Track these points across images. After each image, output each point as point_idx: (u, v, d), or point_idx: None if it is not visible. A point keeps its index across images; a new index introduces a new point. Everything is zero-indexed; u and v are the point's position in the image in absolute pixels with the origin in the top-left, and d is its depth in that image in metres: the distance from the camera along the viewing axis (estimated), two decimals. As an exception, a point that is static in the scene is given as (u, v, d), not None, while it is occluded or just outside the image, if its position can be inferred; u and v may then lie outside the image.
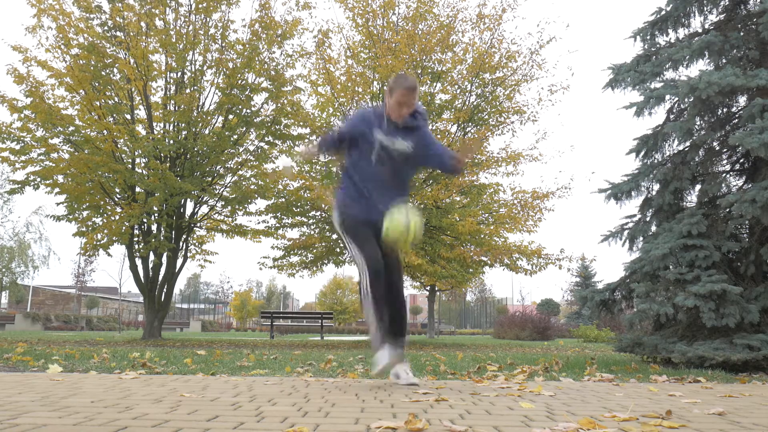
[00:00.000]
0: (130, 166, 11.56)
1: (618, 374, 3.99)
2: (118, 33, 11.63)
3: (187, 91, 11.20)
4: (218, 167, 12.18)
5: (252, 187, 12.37)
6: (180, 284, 71.65)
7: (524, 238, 20.67)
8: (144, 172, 11.54)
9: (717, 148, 5.53)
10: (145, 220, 11.70)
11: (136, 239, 12.08)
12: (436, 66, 11.57)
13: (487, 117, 12.27)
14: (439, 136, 11.51)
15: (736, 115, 5.45)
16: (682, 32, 5.94)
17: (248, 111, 11.68)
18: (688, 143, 5.45)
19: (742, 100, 5.48)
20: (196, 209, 12.68)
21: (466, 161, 3.22)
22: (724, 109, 5.55)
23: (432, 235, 11.34)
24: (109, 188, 11.54)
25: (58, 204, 11.85)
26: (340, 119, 12.52)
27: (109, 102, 11.25)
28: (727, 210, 5.05)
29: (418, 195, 10.69)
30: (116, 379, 3.11)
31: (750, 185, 4.99)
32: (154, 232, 12.05)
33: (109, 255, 12.85)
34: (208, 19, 11.60)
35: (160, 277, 12.26)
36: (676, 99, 5.56)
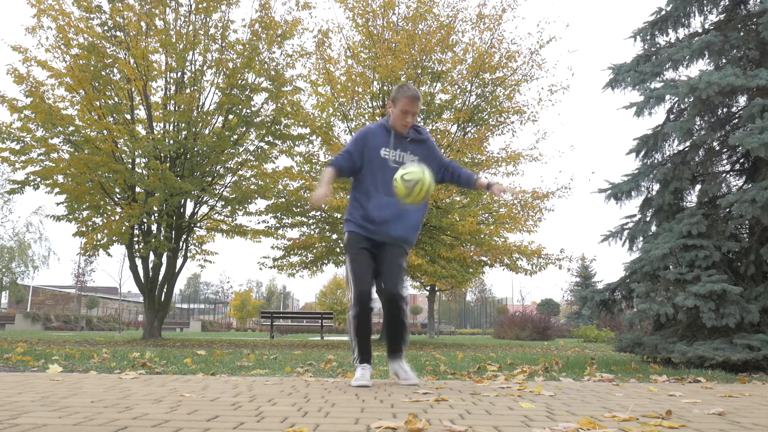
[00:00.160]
0: (130, 166, 11.56)
1: (618, 374, 3.99)
2: (118, 33, 11.63)
3: (187, 91, 11.20)
4: (218, 167, 12.18)
5: (252, 187, 12.37)
6: (180, 284, 71.69)
7: (524, 238, 20.68)
8: (144, 172, 11.54)
9: (717, 148, 5.53)
10: (145, 220, 11.70)
11: (136, 239, 12.08)
12: (436, 66, 11.57)
13: (487, 117, 12.28)
14: (438, 136, 11.51)
15: (736, 115, 5.45)
16: (682, 32, 5.95)
17: (248, 111, 11.68)
18: (688, 143, 5.45)
19: (742, 100, 5.48)
20: (196, 209, 12.69)
21: (499, 193, 3.27)
22: (724, 109, 5.55)
23: (432, 235, 11.34)
24: (109, 188, 11.54)
25: (58, 204, 11.86)
26: (340, 119, 12.53)
27: (109, 102, 11.25)
28: (727, 210, 5.05)
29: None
30: (116, 379, 3.11)
31: (750, 185, 4.99)
32: (154, 232, 12.05)
33: (109, 255, 12.87)
34: (208, 19, 11.61)
35: (160, 277, 12.26)
36: (676, 99, 5.56)
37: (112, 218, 11.37)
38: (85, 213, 11.83)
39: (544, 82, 39.35)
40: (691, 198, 5.59)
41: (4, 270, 28.72)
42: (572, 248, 57.40)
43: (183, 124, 11.44)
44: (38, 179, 11.13)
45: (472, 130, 12.15)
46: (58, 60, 11.18)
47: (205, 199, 12.49)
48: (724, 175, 5.53)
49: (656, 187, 5.67)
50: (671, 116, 5.79)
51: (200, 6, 11.36)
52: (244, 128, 11.92)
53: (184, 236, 12.61)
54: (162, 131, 11.73)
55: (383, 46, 11.18)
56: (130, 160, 11.71)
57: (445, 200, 11.54)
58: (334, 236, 12.60)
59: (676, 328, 5.10)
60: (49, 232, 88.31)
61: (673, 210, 5.43)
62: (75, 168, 10.56)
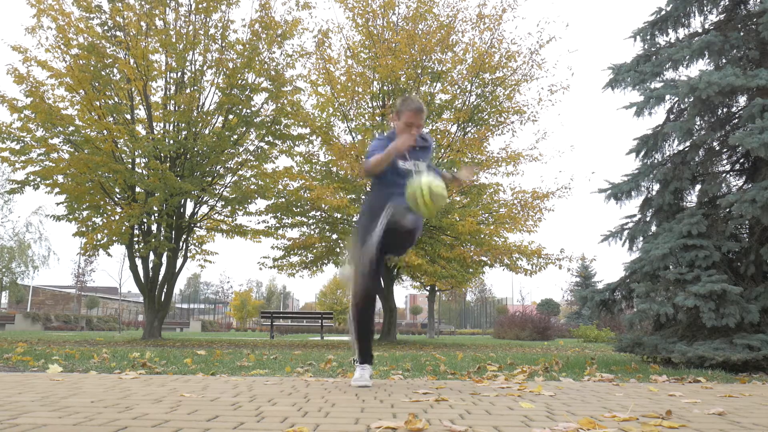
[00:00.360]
0: (130, 166, 11.56)
1: (618, 374, 3.99)
2: (118, 33, 11.63)
3: (187, 91, 11.20)
4: (218, 167, 12.18)
5: (252, 187, 12.37)
6: (180, 284, 71.69)
7: (524, 238, 20.67)
8: (144, 172, 11.54)
9: (717, 148, 5.53)
10: (145, 220, 11.70)
11: (136, 239, 12.08)
12: (436, 66, 11.57)
13: (487, 117, 12.28)
14: (438, 136, 11.52)
15: (736, 115, 5.45)
16: (682, 32, 5.95)
17: (248, 111, 11.68)
18: (688, 143, 5.45)
19: (742, 100, 5.48)
20: (196, 209, 12.69)
21: (463, 183, 3.33)
22: (724, 109, 5.55)
23: (432, 235, 11.34)
24: (109, 188, 11.54)
25: (58, 204, 11.86)
26: (340, 119, 12.53)
27: (109, 102, 11.25)
28: (727, 210, 5.05)
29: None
30: (116, 379, 3.11)
31: (750, 185, 4.99)
32: (154, 232, 12.05)
33: (109, 255, 12.87)
34: (208, 19, 11.60)
35: (160, 277, 12.26)
36: (676, 99, 5.55)
37: (112, 218, 11.37)
38: (85, 213, 11.84)
39: (544, 82, 39.36)
40: (691, 198, 5.59)
41: (4, 270, 28.73)
42: (572, 248, 57.45)
43: (183, 124, 11.44)
44: (38, 179, 11.13)
45: (472, 130, 12.16)
46: (58, 60, 11.19)
47: (205, 199, 12.49)
48: (724, 175, 5.53)
49: (656, 187, 5.67)
50: (671, 116, 5.79)
51: (200, 6, 11.36)
52: (244, 128, 11.92)
53: (184, 236, 12.61)
54: (162, 131, 11.73)
55: (383, 46, 11.18)
56: (130, 160, 11.71)
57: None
58: (334, 236, 12.60)
59: (676, 328, 5.10)
60: (49, 232, 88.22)
61: (673, 210, 5.43)
62: (75, 168, 10.56)
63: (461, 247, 11.25)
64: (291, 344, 10.68)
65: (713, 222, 5.07)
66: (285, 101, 11.82)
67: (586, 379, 3.62)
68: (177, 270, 12.50)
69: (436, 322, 33.83)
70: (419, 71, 11.18)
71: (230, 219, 13.04)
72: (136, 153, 11.17)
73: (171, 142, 11.35)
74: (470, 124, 12.12)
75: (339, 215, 11.89)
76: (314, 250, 13.01)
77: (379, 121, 11.46)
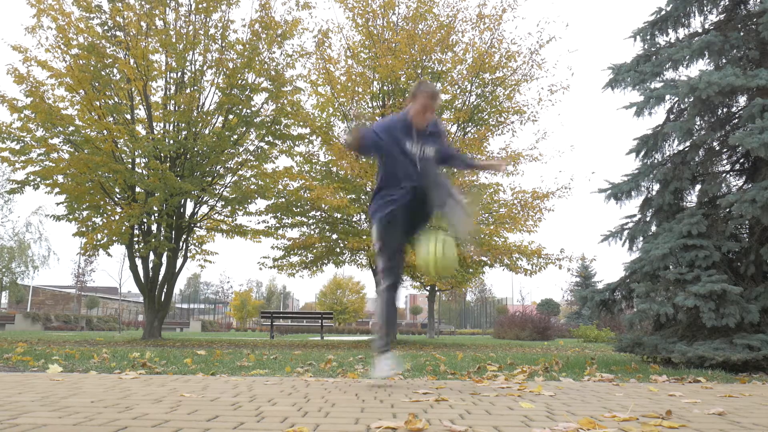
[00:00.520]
0: (130, 166, 11.56)
1: (618, 374, 3.99)
2: (118, 33, 11.63)
3: (187, 91, 11.20)
4: (218, 167, 12.18)
5: (252, 187, 12.37)
6: (180, 284, 71.70)
7: (524, 238, 20.69)
8: (144, 172, 11.54)
9: (717, 148, 5.53)
10: (145, 220, 11.70)
11: (136, 239, 12.08)
12: (436, 66, 11.57)
13: (487, 117, 12.28)
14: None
15: (736, 115, 5.45)
16: (682, 32, 5.95)
17: (248, 111, 11.68)
18: (688, 143, 5.45)
19: (742, 100, 5.48)
20: (196, 209, 12.69)
21: (499, 170, 3.55)
22: (724, 109, 5.55)
23: (432, 235, 11.31)
24: (109, 188, 11.54)
25: (58, 204, 11.85)
26: (340, 119, 12.53)
27: (109, 102, 11.25)
28: (727, 210, 5.05)
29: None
30: (116, 379, 3.11)
31: (750, 185, 4.99)
32: (154, 232, 12.05)
33: (109, 255, 12.87)
34: (208, 19, 11.60)
35: (160, 277, 12.26)
36: (676, 99, 5.56)
37: (112, 218, 11.36)
38: (85, 213, 11.83)
39: (544, 82, 39.38)
40: (691, 198, 5.59)
41: (4, 270, 28.73)
42: (572, 248, 57.45)
43: (183, 124, 11.44)
44: (38, 179, 11.13)
45: (472, 130, 12.15)
46: (58, 60, 11.19)
47: (205, 199, 12.49)
48: (724, 175, 5.53)
49: (656, 187, 5.67)
50: (671, 116, 5.79)
51: (200, 6, 11.36)
52: (244, 128, 11.93)
53: (184, 236, 12.61)
54: (162, 131, 11.73)
55: (383, 46, 11.17)
56: (130, 160, 11.71)
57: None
58: (334, 236, 12.60)
59: (676, 328, 5.10)
60: (49, 232, 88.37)
61: (673, 210, 5.43)
62: (75, 168, 10.56)
63: (461, 247, 11.24)
64: (291, 344, 10.68)
65: (713, 222, 5.07)
66: (285, 101, 11.82)
67: (586, 379, 3.62)
68: (177, 270, 12.50)
69: (436, 322, 33.83)
70: (419, 71, 11.18)
71: (230, 219, 13.04)
72: (136, 153, 11.17)
73: (171, 142, 11.35)
74: (470, 124, 12.12)
75: (339, 215, 11.89)
76: (314, 250, 13.00)
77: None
